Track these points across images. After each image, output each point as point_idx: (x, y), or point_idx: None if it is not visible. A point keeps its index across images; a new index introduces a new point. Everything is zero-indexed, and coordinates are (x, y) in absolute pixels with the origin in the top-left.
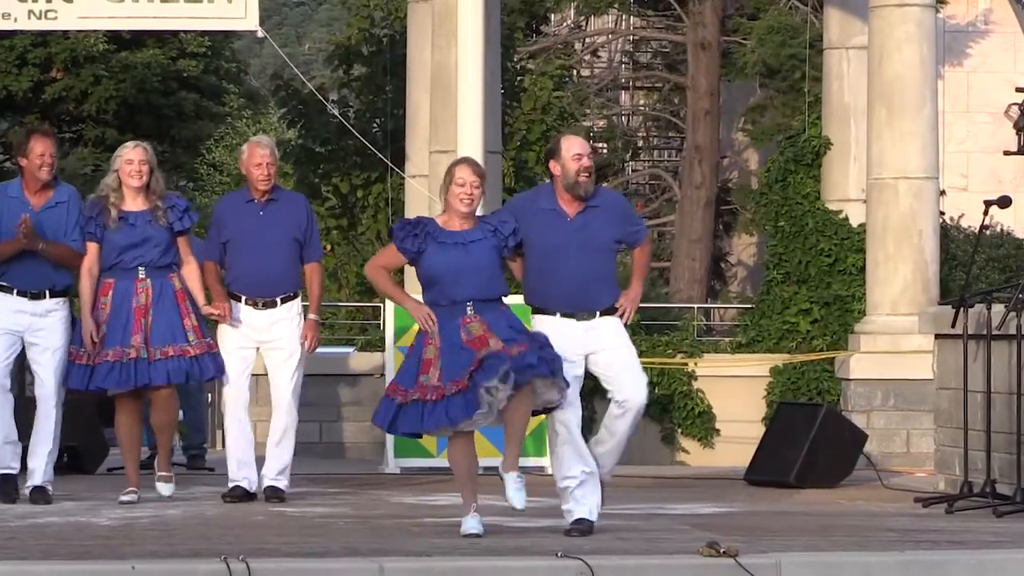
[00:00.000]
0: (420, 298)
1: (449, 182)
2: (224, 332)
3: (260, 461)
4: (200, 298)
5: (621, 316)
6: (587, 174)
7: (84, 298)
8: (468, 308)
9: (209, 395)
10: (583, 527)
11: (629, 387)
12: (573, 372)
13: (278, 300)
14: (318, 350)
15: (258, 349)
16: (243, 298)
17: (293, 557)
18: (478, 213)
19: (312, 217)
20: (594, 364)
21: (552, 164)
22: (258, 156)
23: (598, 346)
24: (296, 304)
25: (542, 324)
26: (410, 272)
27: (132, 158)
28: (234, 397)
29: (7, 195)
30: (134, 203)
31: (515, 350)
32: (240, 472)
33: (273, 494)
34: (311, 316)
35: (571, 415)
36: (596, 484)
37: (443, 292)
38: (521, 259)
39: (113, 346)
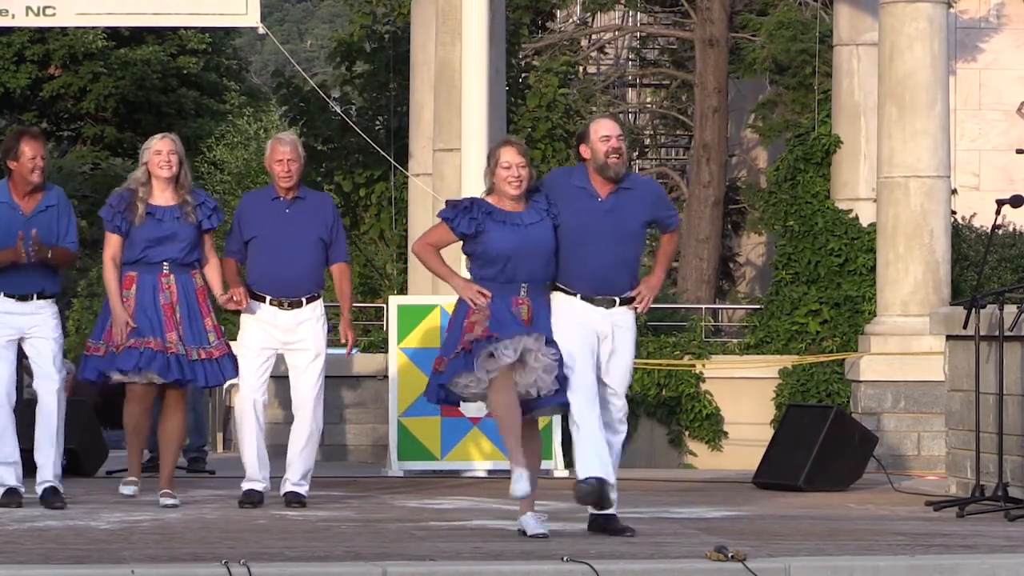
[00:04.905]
0: (465, 274)
1: (495, 165)
2: (247, 331)
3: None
4: (218, 290)
5: (638, 304)
6: (617, 155)
7: (111, 288)
8: (522, 290)
9: (209, 397)
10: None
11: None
12: (591, 357)
13: (303, 300)
14: None
15: (276, 352)
16: (268, 298)
17: (295, 561)
18: None
19: (338, 217)
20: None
21: (583, 148)
22: (279, 152)
23: (610, 342)
24: (320, 305)
25: (561, 306)
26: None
27: (161, 148)
28: (251, 397)
29: None
30: (163, 197)
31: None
32: (260, 472)
33: (295, 499)
34: (346, 316)
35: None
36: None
37: (502, 270)
38: None
39: (153, 336)
